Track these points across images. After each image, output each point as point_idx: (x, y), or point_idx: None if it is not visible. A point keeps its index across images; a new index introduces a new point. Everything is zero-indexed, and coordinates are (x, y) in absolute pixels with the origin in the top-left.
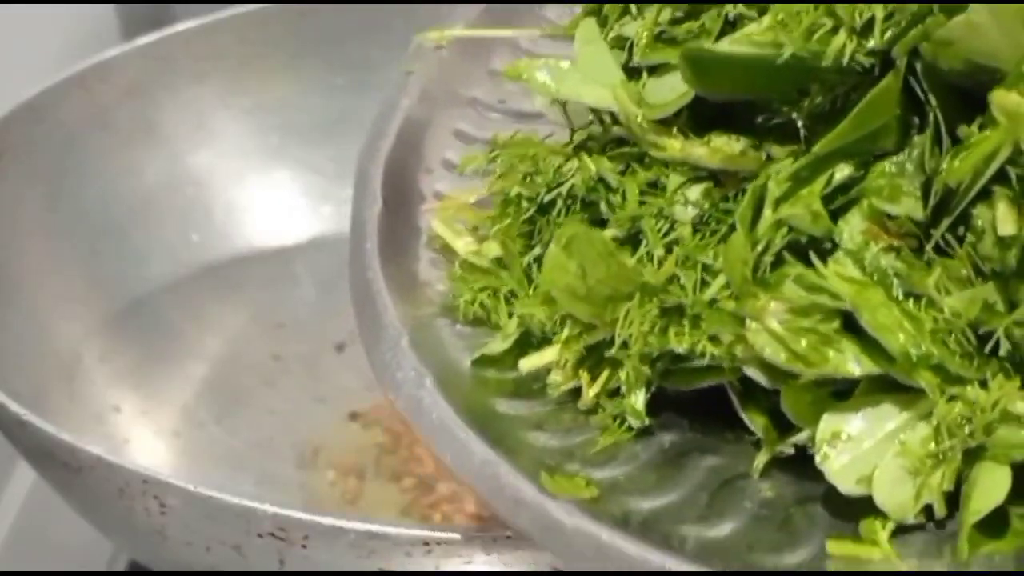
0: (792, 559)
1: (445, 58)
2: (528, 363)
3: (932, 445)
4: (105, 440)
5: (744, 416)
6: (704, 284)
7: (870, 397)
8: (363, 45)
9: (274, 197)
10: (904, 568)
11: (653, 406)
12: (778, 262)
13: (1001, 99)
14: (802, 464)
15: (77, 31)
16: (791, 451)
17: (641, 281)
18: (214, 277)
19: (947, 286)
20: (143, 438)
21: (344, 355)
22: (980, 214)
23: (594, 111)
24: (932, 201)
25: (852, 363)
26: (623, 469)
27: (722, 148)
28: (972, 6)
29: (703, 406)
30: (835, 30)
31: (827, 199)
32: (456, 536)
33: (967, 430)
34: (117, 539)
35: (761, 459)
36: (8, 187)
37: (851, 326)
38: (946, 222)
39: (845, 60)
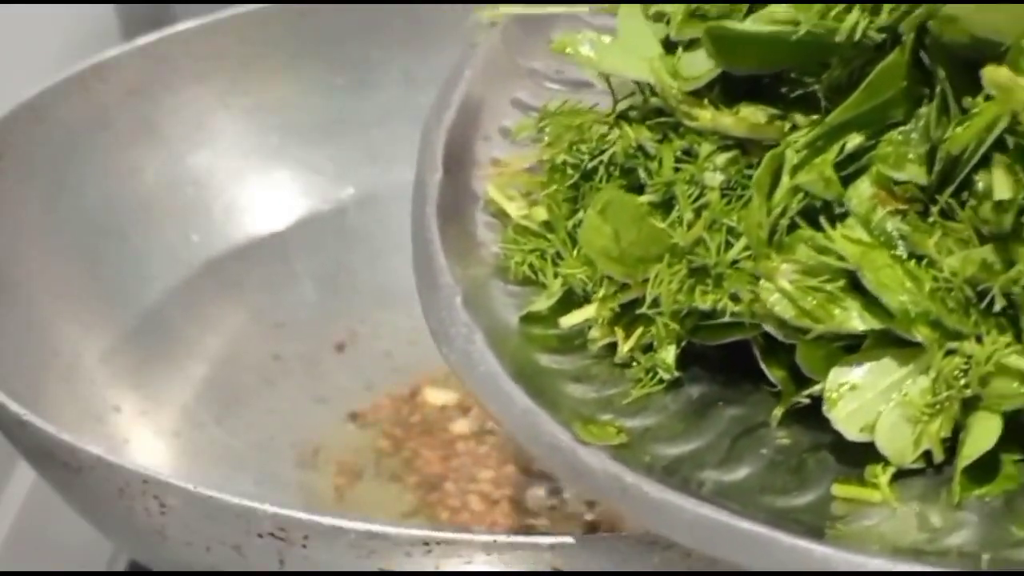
0: (800, 501)
1: (507, 31)
2: (568, 320)
3: (930, 396)
4: (105, 440)
5: (765, 369)
6: (728, 246)
7: (875, 351)
8: (363, 45)
9: (274, 197)
10: (899, 508)
11: (683, 360)
12: (795, 226)
13: (992, 74)
14: (817, 414)
15: (77, 31)
16: (807, 402)
17: (670, 243)
18: (214, 277)
19: (949, 247)
20: (143, 438)
21: (344, 355)
22: (981, 179)
23: (636, 82)
24: (937, 168)
25: (856, 319)
26: (653, 418)
27: (748, 118)
28: None
29: (730, 360)
30: (849, 8)
31: (840, 166)
32: (456, 536)
33: (963, 382)
34: (117, 539)
35: (779, 409)
36: (8, 187)
37: (857, 285)
38: (950, 188)
39: (857, 36)
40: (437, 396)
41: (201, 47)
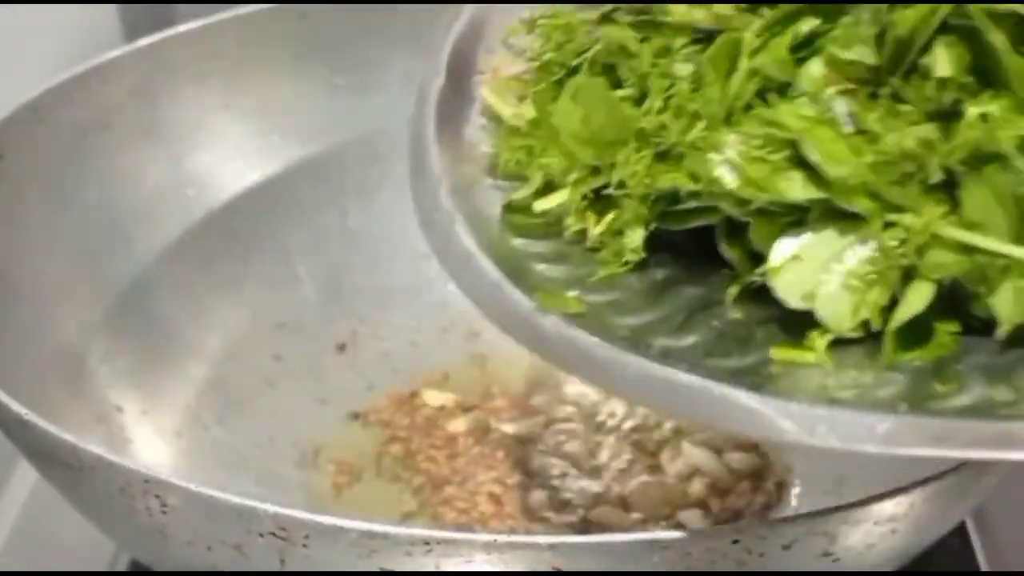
0: (740, 363)
1: None
2: (542, 204)
3: (870, 266)
4: (106, 440)
5: (723, 249)
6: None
7: (819, 224)
8: (364, 46)
9: (275, 197)
10: (830, 366)
11: (652, 246)
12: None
13: None
14: (771, 295)
15: (79, 32)
16: (762, 280)
17: (638, 127)
18: (215, 277)
19: (895, 124)
20: (144, 438)
21: (345, 355)
22: (928, 61)
23: None
24: (887, 51)
25: (799, 189)
26: (616, 295)
27: (718, 11)
28: None
29: (697, 248)
30: None
31: (796, 49)
32: (456, 536)
33: (900, 251)
34: (118, 539)
35: (734, 287)
36: (9, 188)
37: (803, 160)
38: (900, 71)
39: None
40: (437, 396)
41: (203, 48)
